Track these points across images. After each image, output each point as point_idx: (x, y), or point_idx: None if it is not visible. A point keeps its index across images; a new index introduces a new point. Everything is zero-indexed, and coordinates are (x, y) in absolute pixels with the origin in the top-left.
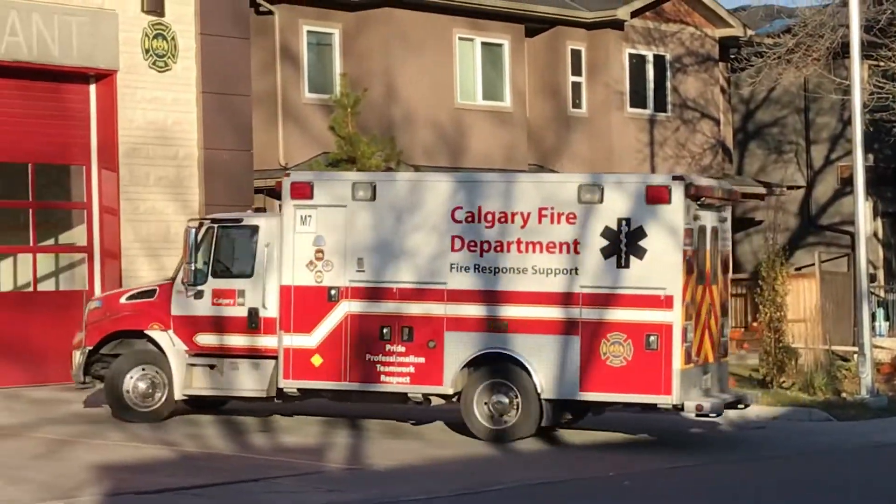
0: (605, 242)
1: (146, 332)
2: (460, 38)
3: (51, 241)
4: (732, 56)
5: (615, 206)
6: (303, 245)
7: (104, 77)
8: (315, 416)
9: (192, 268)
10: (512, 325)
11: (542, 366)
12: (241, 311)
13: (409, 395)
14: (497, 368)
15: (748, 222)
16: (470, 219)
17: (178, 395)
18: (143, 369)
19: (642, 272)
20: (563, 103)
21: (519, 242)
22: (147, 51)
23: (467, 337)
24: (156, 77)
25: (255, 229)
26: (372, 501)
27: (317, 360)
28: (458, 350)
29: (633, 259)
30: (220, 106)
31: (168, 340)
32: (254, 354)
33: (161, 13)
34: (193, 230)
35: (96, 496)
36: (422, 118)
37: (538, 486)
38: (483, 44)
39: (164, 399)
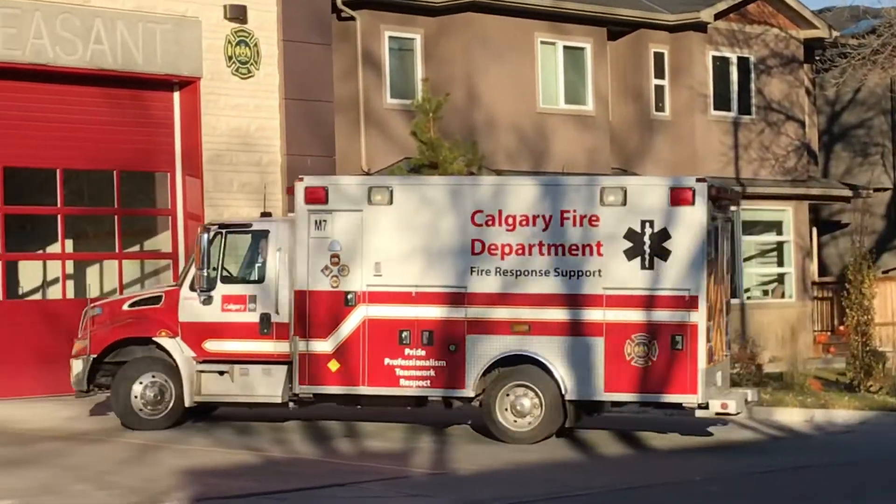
0: (628, 244)
1: (154, 338)
2: (542, 42)
3: (136, 248)
4: (817, 57)
5: (638, 208)
6: (318, 250)
7: (188, 84)
8: (396, 422)
9: (205, 273)
10: (534, 328)
11: (566, 367)
12: (253, 317)
13: (430, 398)
14: (519, 371)
15: (834, 225)
16: (490, 222)
17: (188, 403)
18: (153, 376)
19: (667, 273)
20: (645, 106)
21: (541, 245)
22: (230, 58)
23: (489, 340)
24: (239, 84)
25: (265, 234)
26: None
27: (333, 366)
28: (479, 353)
29: (657, 260)
30: (302, 112)
31: (177, 347)
32: (265, 360)
33: (244, 20)
34: (205, 235)
35: (183, 501)
36: (504, 123)
37: (627, 490)
38: (565, 47)
39: (171, 406)
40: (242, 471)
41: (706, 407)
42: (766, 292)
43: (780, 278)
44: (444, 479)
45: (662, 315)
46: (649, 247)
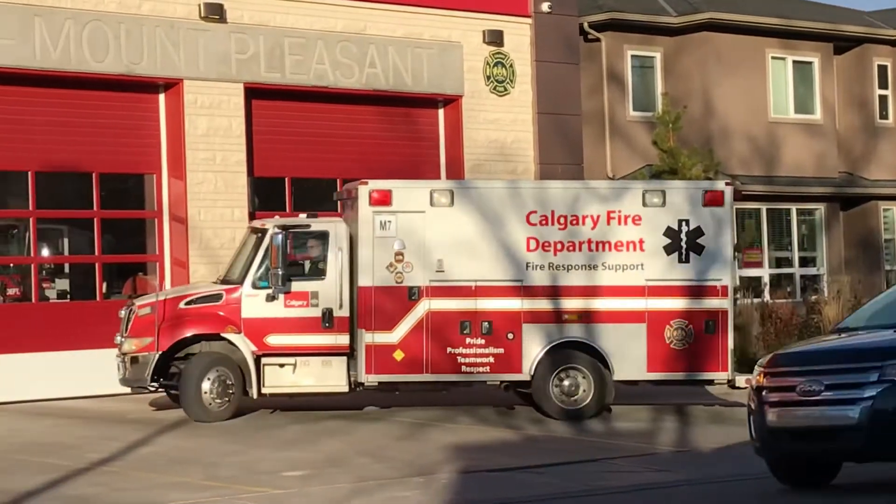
0: (667, 241)
1: (223, 334)
2: (773, 58)
3: None
4: None
5: (676, 208)
6: (382, 248)
7: (451, 102)
8: (643, 404)
9: (280, 272)
10: (583, 316)
11: (612, 351)
12: (315, 312)
13: (489, 382)
14: (570, 355)
15: None
16: (543, 222)
17: (255, 395)
18: (217, 371)
19: (701, 266)
20: (870, 115)
21: (590, 242)
22: (488, 77)
23: (543, 328)
24: (496, 101)
25: (325, 234)
26: (699, 481)
27: (399, 355)
28: (535, 340)
29: (692, 255)
30: (553, 125)
31: (243, 342)
32: (327, 352)
33: (500, 44)
34: (279, 236)
35: (452, 473)
36: (737, 132)
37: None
38: (794, 62)
39: (233, 399)
40: (503, 447)
41: (734, 384)
42: None
43: None
44: (687, 456)
45: (698, 303)
46: (685, 243)
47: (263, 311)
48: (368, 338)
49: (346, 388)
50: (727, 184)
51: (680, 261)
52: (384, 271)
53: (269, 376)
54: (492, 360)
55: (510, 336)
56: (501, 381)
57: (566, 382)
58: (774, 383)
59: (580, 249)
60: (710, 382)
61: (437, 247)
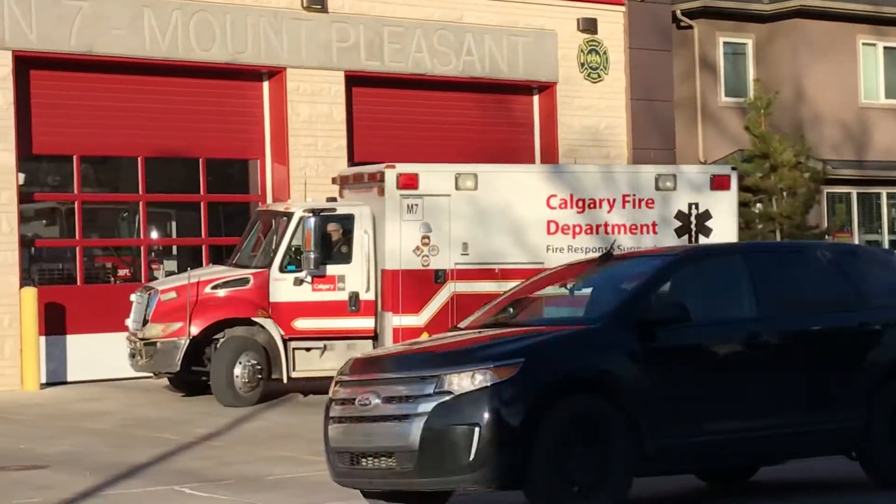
0: (678, 223)
1: (254, 318)
2: (864, 44)
3: None
4: None
5: (686, 192)
6: (409, 232)
7: (545, 89)
8: None
9: (314, 256)
10: None
11: None
12: (342, 296)
13: None
14: None
15: None
16: (563, 205)
17: (284, 379)
18: (247, 356)
19: None
20: None
21: (606, 225)
22: (582, 64)
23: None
24: (589, 87)
25: (350, 218)
26: None
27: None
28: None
29: (701, 237)
30: (646, 111)
31: (273, 326)
32: (352, 335)
33: (594, 31)
34: (312, 220)
35: None
36: (828, 117)
37: None
38: (885, 48)
39: (260, 384)
40: None
41: None
42: None
43: None
44: None
45: None
46: (695, 225)
47: (291, 295)
48: (396, 321)
49: None
50: (733, 168)
51: (690, 242)
52: (410, 254)
53: (299, 360)
54: None
55: None
56: None
57: None
58: (341, 394)
59: (597, 233)
60: None
61: (462, 230)
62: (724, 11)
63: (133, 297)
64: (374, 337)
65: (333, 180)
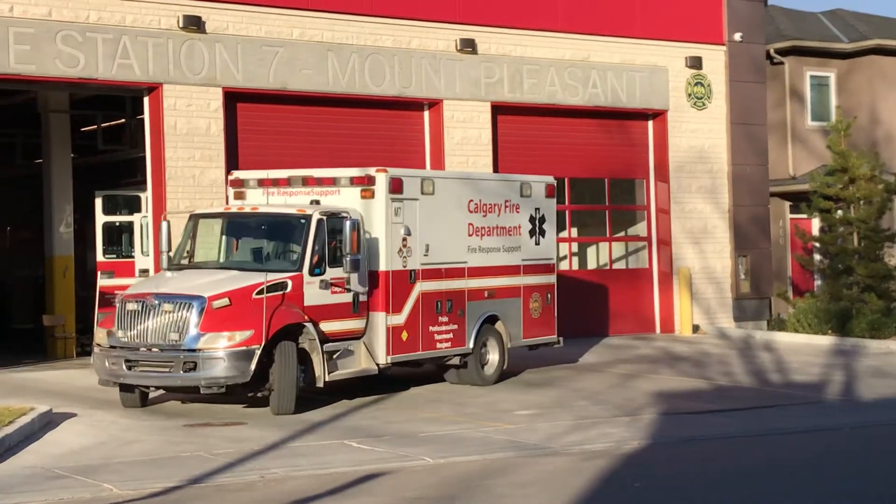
0: (530, 226)
1: (304, 324)
2: None
3: (622, 234)
4: None
5: (534, 198)
6: (395, 234)
7: (658, 115)
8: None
9: (358, 258)
10: (495, 293)
11: (507, 322)
12: (348, 298)
13: (447, 357)
14: (488, 329)
15: None
16: (476, 210)
17: (320, 383)
18: (298, 361)
19: (544, 247)
20: None
21: (496, 228)
22: (689, 95)
23: (478, 305)
24: (695, 114)
25: (359, 221)
26: (860, 425)
27: (404, 335)
28: (473, 315)
29: (541, 238)
30: (743, 133)
31: (315, 330)
32: (355, 336)
33: (699, 67)
34: (349, 222)
35: (654, 414)
36: None
37: None
38: None
39: (297, 388)
40: (696, 394)
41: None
42: None
43: None
44: (850, 403)
45: (544, 278)
46: (538, 228)
47: (319, 299)
48: (389, 321)
49: (377, 372)
50: (557, 178)
51: (536, 244)
52: (395, 256)
53: (331, 364)
54: (452, 335)
55: (460, 313)
56: (456, 355)
57: (485, 353)
58: None
59: (492, 234)
60: (549, 345)
61: (426, 232)
62: (811, 50)
63: (131, 306)
64: (361, 337)
65: (304, 181)
